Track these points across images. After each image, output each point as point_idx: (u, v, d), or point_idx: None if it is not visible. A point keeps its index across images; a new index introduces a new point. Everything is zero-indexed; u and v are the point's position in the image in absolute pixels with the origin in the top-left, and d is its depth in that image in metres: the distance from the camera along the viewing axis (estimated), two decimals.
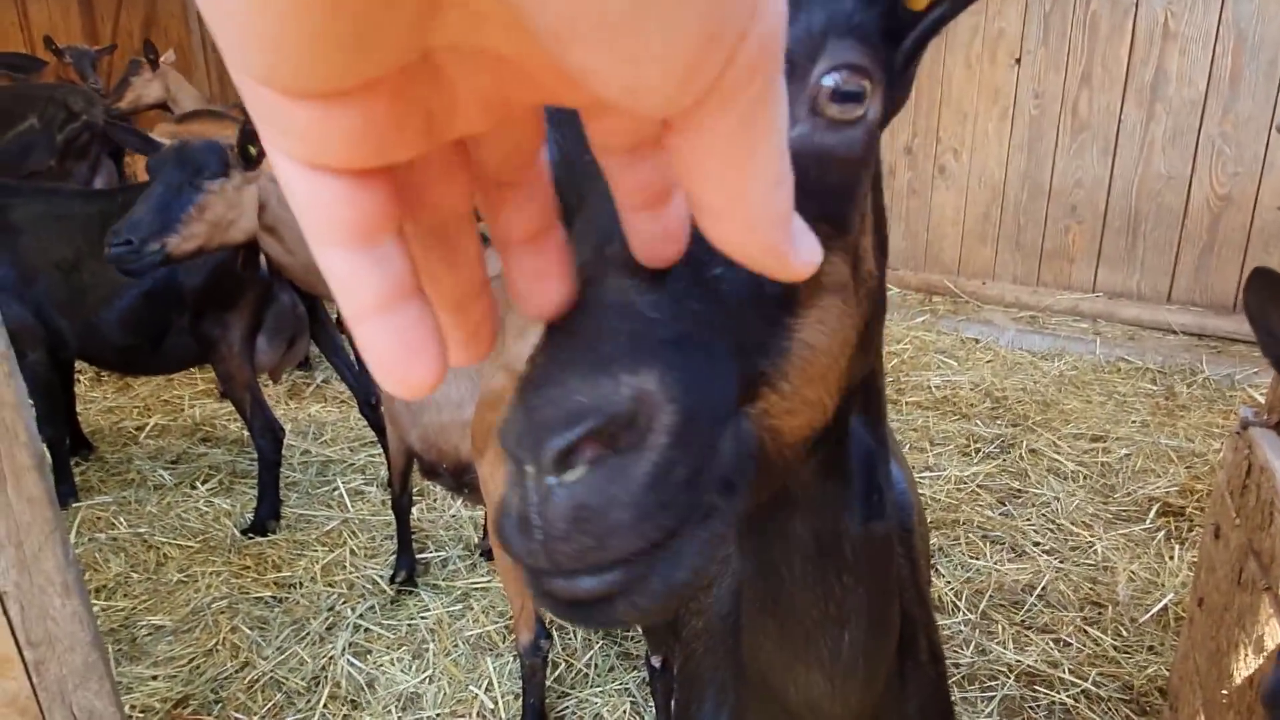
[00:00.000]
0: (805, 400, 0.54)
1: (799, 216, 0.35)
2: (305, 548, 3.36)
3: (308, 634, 2.89)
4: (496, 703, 2.59)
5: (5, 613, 1.50)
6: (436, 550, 3.35)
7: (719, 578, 1.20)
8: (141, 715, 2.55)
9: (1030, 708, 2.48)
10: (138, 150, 2.91)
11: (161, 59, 6.12)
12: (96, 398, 4.64)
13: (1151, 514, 3.27)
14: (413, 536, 3.18)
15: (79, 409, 4.16)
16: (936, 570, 3.02)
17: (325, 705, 2.59)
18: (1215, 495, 1.82)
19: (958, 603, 2.88)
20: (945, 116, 5.52)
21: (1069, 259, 5.27)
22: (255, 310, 3.40)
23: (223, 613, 2.99)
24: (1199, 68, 4.64)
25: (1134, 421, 3.98)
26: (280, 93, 0.27)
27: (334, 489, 3.75)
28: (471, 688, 2.66)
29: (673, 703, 2.17)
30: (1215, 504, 1.82)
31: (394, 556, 3.20)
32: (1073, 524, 3.27)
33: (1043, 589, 2.93)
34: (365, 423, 3.83)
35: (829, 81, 0.53)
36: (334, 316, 4.60)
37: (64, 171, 5.30)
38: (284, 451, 3.59)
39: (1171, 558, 3.03)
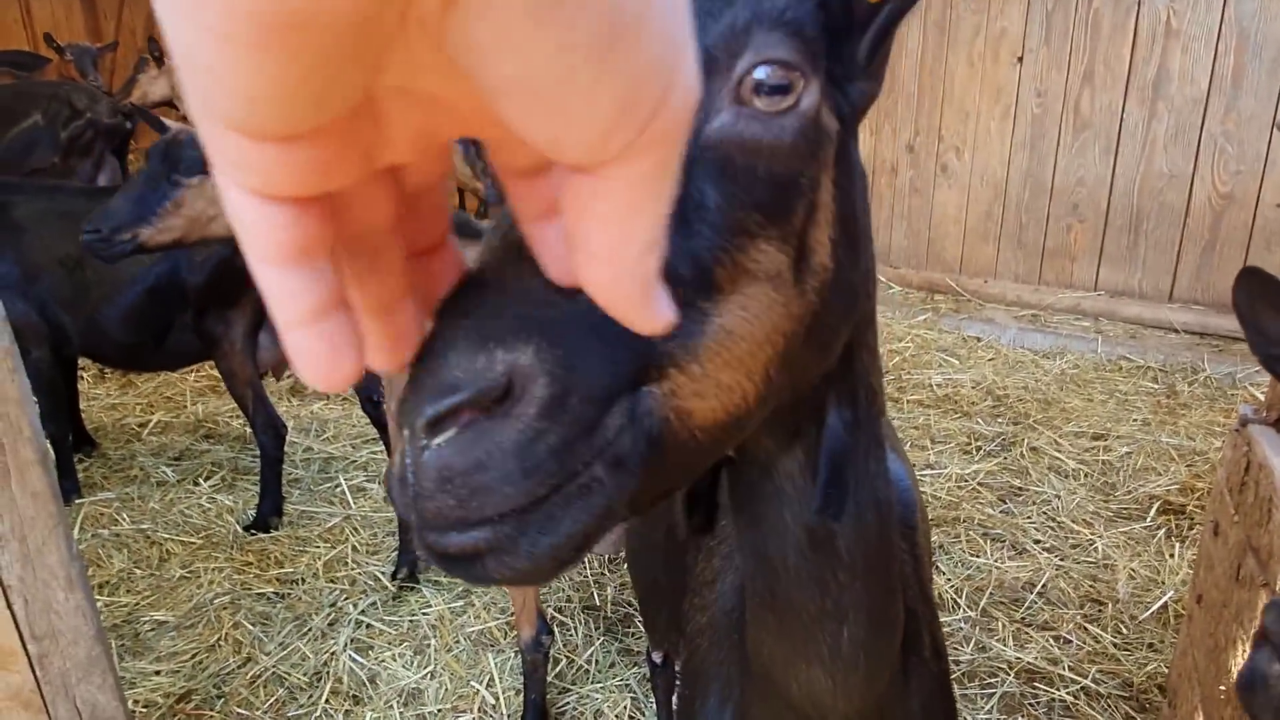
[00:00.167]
0: (718, 384, 0.54)
1: (660, 282, 0.39)
2: (307, 544, 3.37)
3: (310, 630, 2.90)
4: (498, 698, 2.60)
5: (9, 606, 1.51)
6: None
7: (723, 573, 1.20)
8: (144, 710, 2.56)
9: (1030, 705, 2.48)
10: (161, 134, 2.93)
11: (168, 56, 6.13)
12: (99, 394, 4.65)
13: (1152, 512, 3.28)
14: None
15: (82, 405, 4.16)
16: (937, 568, 3.02)
17: (327, 701, 2.60)
18: (1214, 492, 1.82)
19: (958, 600, 2.88)
20: (947, 115, 5.52)
21: (1071, 257, 5.27)
22: (257, 307, 3.40)
23: (225, 608, 3.00)
24: (1201, 66, 4.64)
25: (1135, 420, 3.99)
26: (246, 136, 0.29)
27: (336, 486, 3.76)
28: (473, 683, 2.66)
29: (675, 698, 2.19)
30: (1214, 501, 1.82)
31: (396, 553, 3.21)
32: (1073, 522, 3.27)
33: (1043, 586, 2.93)
34: (367, 419, 3.84)
35: (758, 74, 0.55)
36: None
37: (68, 169, 5.31)
38: (286, 448, 3.60)
39: (1172, 555, 3.04)
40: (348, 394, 4.39)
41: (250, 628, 2.90)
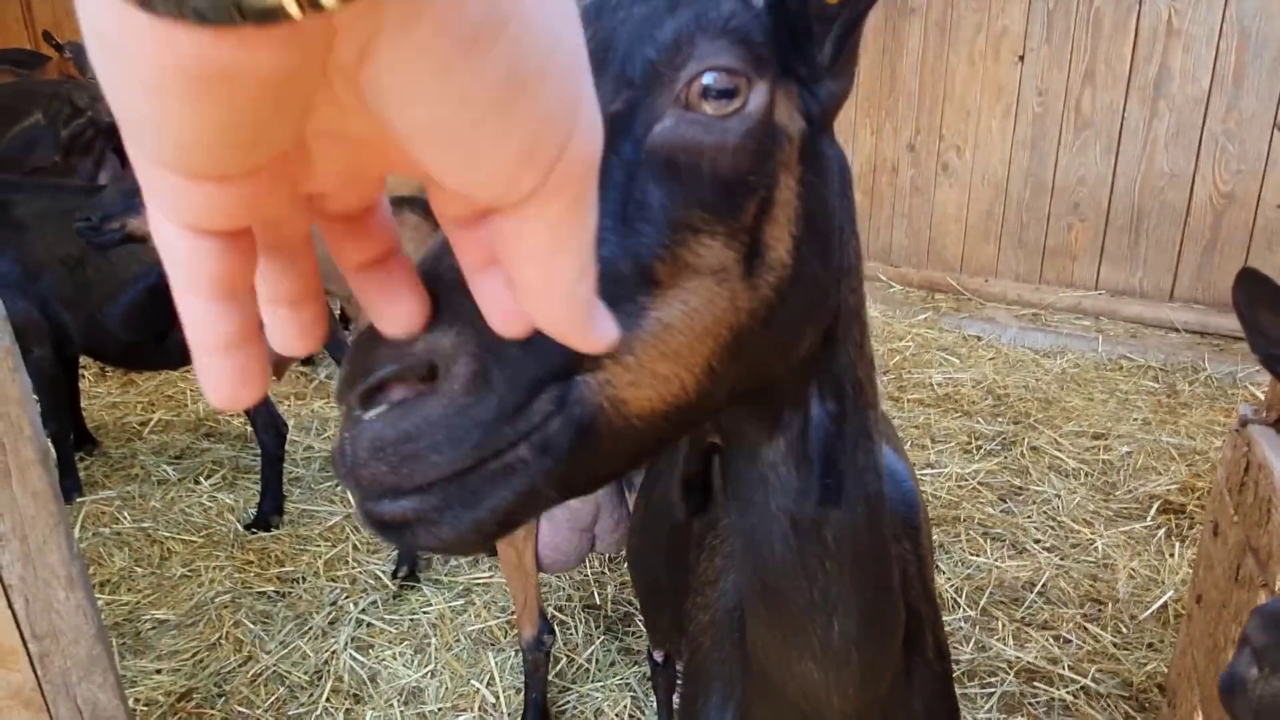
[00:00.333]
0: (654, 375, 0.56)
1: (601, 303, 0.41)
2: (308, 543, 3.37)
3: (310, 628, 2.90)
4: (498, 697, 2.60)
5: (10, 605, 1.51)
6: None
7: (725, 572, 1.20)
8: (145, 709, 2.56)
9: (1030, 704, 2.49)
10: None
11: None
12: (101, 393, 4.65)
13: (1152, 511, 3.28)
14: None
15: (83, 404, 4.17)
16: (937, 567, 3.03)
17: (328, 699, 2.60)
18: (1214, 492, 1.82)
19: (958, 599, 2.88)
20: (948, 114, 5.52)
21: (1071, 256, 5.27)
22: None
23: (226, 607, 3.01)
24: (1202, 65, 4.63)
25: (1135, 419, 3.99)
26: (180, 176, 0.31)
27: (336, 484, 3.76)
28: (473, 682, 2.67)
29: (675, 697, 2.19)
30: (1214, 501, 1.82)
31: (396, 552, 3.21)
32: (1073, 521, 3.27)
33: (1043, 586, 2.93)
34: None
35: (705, 80, 0.57)
36: (337, 313, 4.61)
37: (68, 167, 5.31)
38: (287, 447, 3.61)
39: (1172, 555, 3.04)
40: None
41: (251, 626, 2.91)
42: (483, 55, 0.29)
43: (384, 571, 3.17)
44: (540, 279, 0.38)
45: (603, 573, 3.18)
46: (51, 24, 8.10)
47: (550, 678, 2.59)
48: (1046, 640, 2.70)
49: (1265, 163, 4.56)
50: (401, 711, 2.56)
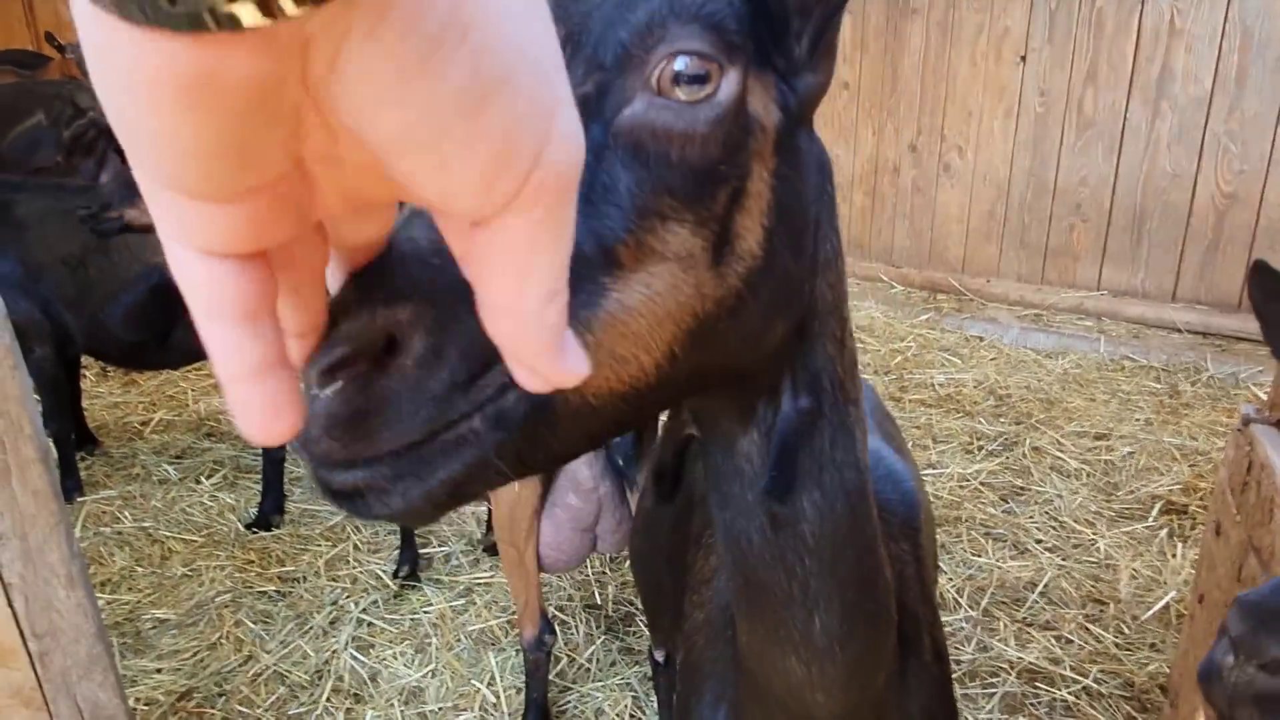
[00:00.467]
0: (613, 355, 0.56)
1: (571, 334, 0.41)
2: (309, 542, 3.37)
3: (311, 628, 2.90)
4: (499, 697, 2.60)
5: (10, 604, 1.51)
6: (439, 545, 3.36)
7: (719, 571, 1.20)
8: (145, 708, 2.56)
9: (1031, 704, 2.48)
10: None
11: None
12: (102, 393, 4.66)
13: (1154, 512, 3.27)
14: (415, 532, 3.19)
15: (85, 404, 4.17)
16: (939, 567, 3.02)
17: (328, 699, 2.60)
18: (1217, 492, 1.82)
19: (960, 599, 2.88)
20: (950, 114, 5.51)
21: (1073, 257, 5.26)
22: None
23: (227, 607, 3.01)
24: (1205, 65, 4.62)
25: (1138, 419, 3.98)
26: (184, 196, 0.32)
27: None
28: (474, 682, 2.67)
29: (675, 696, 2.18)
30: (1216, 501, 1.82)
31: (397, 551, 3.21)
32: (1075, 521, 3.27)
33: (1045, 586, 2.93)
34: None
35: (677, 65, 0.57)
36: None
37: (71, 167, 5.31)
38: (288, 446, 3.60)
39: (1174, 555, 3.03)
40: None
41: (252, 626, 2.91)
42: (447, 60, 0.30)
43: (385, 571, 3.17)
44: (508, 295, 0.37)
45: (604, 572, 3.17)
46: (54, 25, 8.11)
47: (551, 677, 2.58)
48: (1048, 641, 2.70)
49: (1268, 163, 4.55)
50: (402, 711, 2.56)
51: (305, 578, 3.16)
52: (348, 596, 3.07)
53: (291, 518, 3.53)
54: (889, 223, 5.92)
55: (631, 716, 2.57)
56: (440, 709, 2.58)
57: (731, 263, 0.62)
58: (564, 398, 0.55)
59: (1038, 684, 2.55)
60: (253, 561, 3.25)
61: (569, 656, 2.79)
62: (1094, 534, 3.19)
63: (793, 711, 0.90)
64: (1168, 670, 2.51)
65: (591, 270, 0.55)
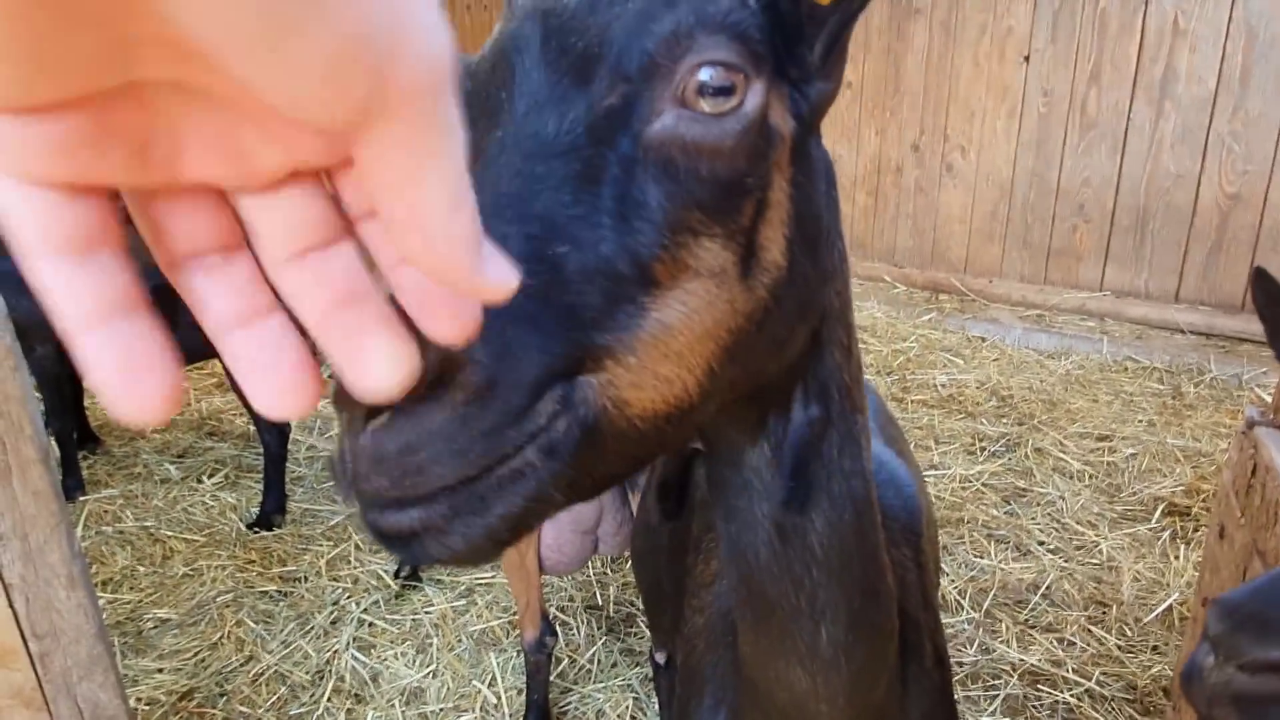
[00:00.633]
0: (656, 376, 0.56)
1: (490, 241, 0.37)
2: (310, 542, 3.37)
3: (312, 628, 2.90)
4: (499, 697, 2.60)
5: (11, 605, 1.51)
6: None
7: (720, 576, 1.19)
8: (147, 708, 2.56)
9: (1033, 707, 2.47)
10: None
11: None
12: None
13: (1157, 514, 3.26)
14: None
15: (86, 402, 4.17)
16: (941, 569, 3.01)
17: (329, 699, 2.60)
18: (1220, 495, 1.81)
19: (962, 601, 2.87)
20: (953, 114, 5.50)
21: (1076, 257, 5.25)
22: None
23: (228, 606, 3.01)
24: (1209, 65, 4.61)
25: (1140, 421, 3.97)
26: None
27: None
28: (475, 682, 2.66)
29: (674, 699, 2.18)
30: (1220, 504, 1.81)
31: None
32: (1078, 523, 3.26)
33: (1047, 588, 2.92)
34: None
35: (702, 76, 0.57)
36: None
37: None
38: (290, 446, 3.61)
39: (1177, 558, 3.02)
40: None
41: (253, 626, 2.91)
42: None
43: (386, 571, 3.17)
44: (405, 211, 0.34)
45: (605, 573, 3.17)
46: None
47: (552, 678, 2.58)
48: (1050, 643, 2.69)
49: (1272, 164, 4.54)
50: (403, 712, 2.56)
51: (307, 577, 3.16)
52: (349, 596, 3.07)
53: (293, 517, 3.53)
54: (891, 223, 5.91)
55: (632, 718, 2.56)
56: (441, 709, 2.58)
57: (759, 274, 0.62)
58: (610, 421, 0.54)
59: (1040, 686, 2.54)
60: (254, 561, 3.25)
61: (570, 657, 2.79)
62: (1096, 536, 3.18)
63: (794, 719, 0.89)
64: (1170, 673, 2.51)
65: (630, 289, 0.54)
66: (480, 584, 3.12)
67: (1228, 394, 4.20)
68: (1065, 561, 3.06)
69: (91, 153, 0.31)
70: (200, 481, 3.81)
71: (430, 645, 2.83)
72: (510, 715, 2.54)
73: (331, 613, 2.98)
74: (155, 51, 0.29)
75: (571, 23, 0.59)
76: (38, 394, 3.28)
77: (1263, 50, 4.46)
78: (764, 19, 0.60)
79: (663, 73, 0.57)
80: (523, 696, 2.52)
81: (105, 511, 3.56)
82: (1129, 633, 2.73)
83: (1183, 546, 3.08)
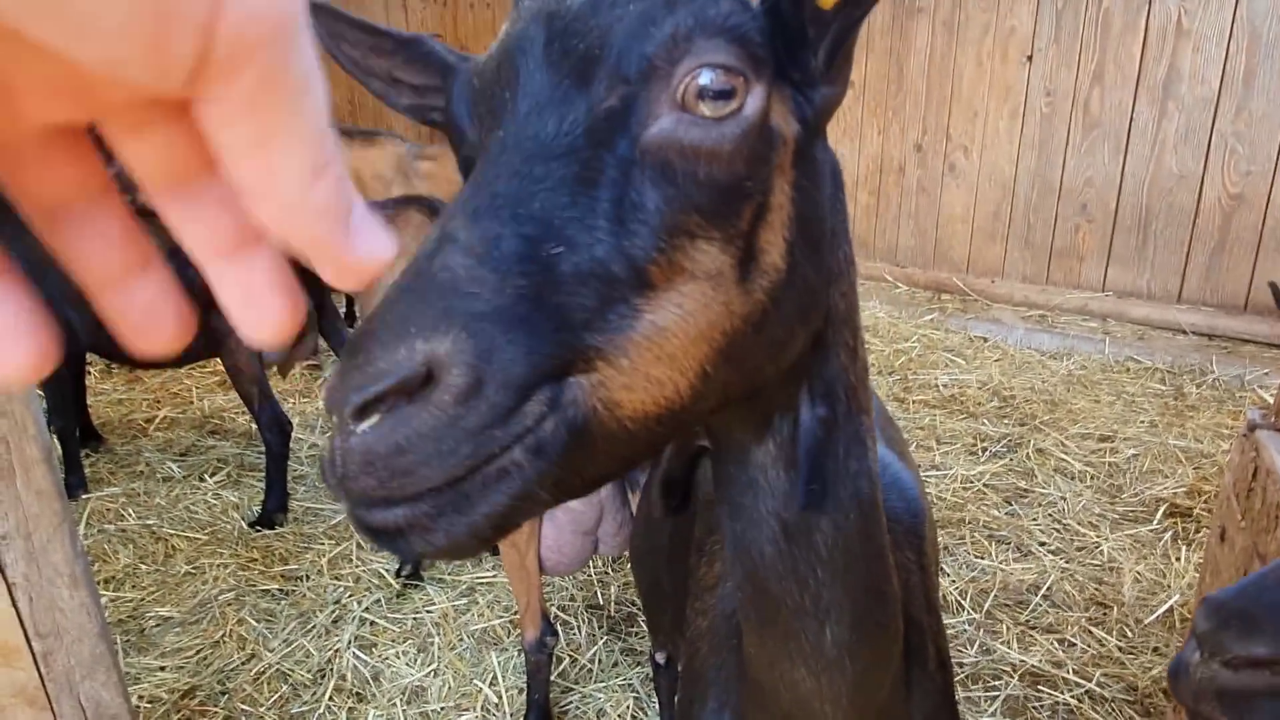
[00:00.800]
0: (648, 378, 0.56)
1: (365, 211, 0.34)
2: (312, 541, 3.37)
3: (314, 627, 2.91)
4: (500, 697, 2.60)
5: (14, 604, 1.51)
6: None
7: (724, 578, 1.19)
8: (149, 706, 2.57)
9: (1034, 708, 2.48)
10: None
11: None
12: (106, 390, 4.67)
13: (1159, 515, 3.26)
14: None
15: (89, 401, 4.18)
16: (942, 570, 3.02)
17: (330, 698, 2.60)
18: (1221, 497, 1.81)
19: (962, 602, 2.87)
20: (955, 114, 5.50)
21: (1079, 257, 5.25)
22: None
23: (230, 605, 3.01)
24: (1212, 65, 4.61)
25: (1142, 422, 3.97)
26: None
27: None
28: (476, 682, 2.67)
29: (676, 700, 2.18)
30: (1221, 506, 1.81)
31: None
32: (1079, 524, 3.26)
33: (1048, 589, 2.92)
34: None
35: (702, 79, 0.57)
36: (342, 311, 4.62)
37: None
38: (292, 445, 3.61)
39: (1178, 559, 3.02)
40: None
41: (254, 624, 2.91)
42: None
43: (388, 570, 3.17)
44: (257, 177, 0.31)
45: (606, 573, 3.17)
46: None
47: (553, 678, 2.58)
48: (1051, 644, 2.69)
49: (1275, 164, 4.54)
50: (404, 710, 2.56)
51: (308, 576, 3.17)
52: (350, 595, 3.07)
53: (295, 516, 3.53)
54: (894, 222, 5.91)
55: (633, 718, 2.57)
56: (442, 708, 2.58)
57: (757, 278, 0.62)
58: (600, 422, 0.54)
59: (1040, 687, 2.54)
60: (256, 560, 3.25)
61: (571, 657, 2.79)
62: (1097, 536, 3.18)
63: None
64: None
65: (623, 291, 0.54)
66: (481, 583, 3.13)
67: (1230, 395, 4.20)
68: (1066, 562, 3.06)
69: None
70: (202, 480, 3.81)
71: (431, 644, 2.83)
72: (511, 714, 2.54)
73: (333, 611, 2.98)
74: None
75: (574, 25, 0.59)
76: (40, 392, 3.29)
77: (1266, 50, 4.45)
78: (765, 23, 0.60)
79: (661, 75, 0.57)
80: (524, 696, 2.52)
81: (108, 510, 3.57)
82: (1130, 634, 2.73)
83: (1184, 548, 3.08)
